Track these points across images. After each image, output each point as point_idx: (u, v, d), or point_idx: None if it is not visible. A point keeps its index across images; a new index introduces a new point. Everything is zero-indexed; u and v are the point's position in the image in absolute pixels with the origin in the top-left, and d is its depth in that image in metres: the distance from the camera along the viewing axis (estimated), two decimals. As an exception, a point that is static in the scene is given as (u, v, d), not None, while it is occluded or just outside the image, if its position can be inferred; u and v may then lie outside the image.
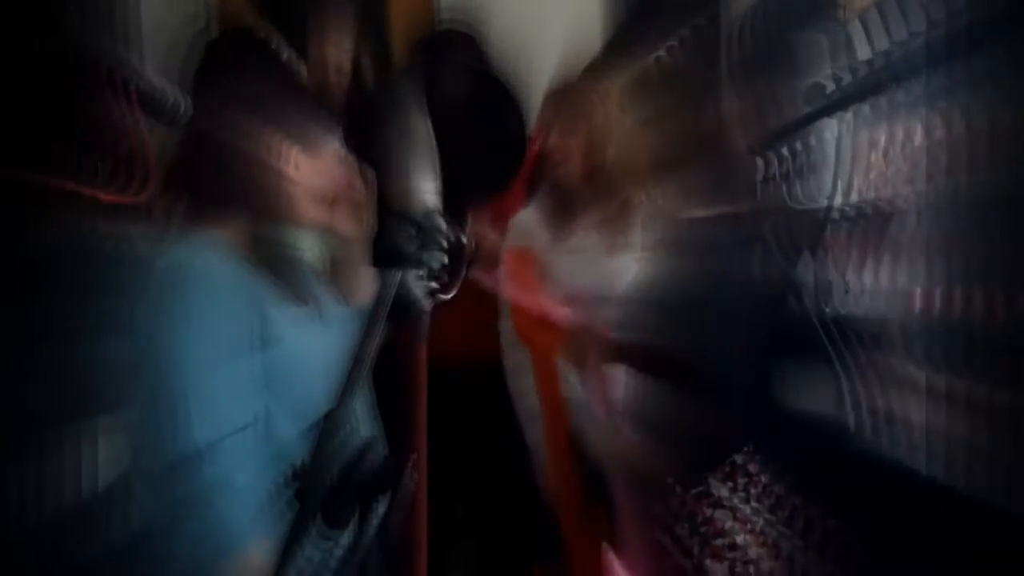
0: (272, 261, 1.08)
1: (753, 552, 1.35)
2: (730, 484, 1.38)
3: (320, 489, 1.03)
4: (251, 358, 1.03)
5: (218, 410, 1.00)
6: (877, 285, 1.38)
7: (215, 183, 1.07)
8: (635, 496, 1.44)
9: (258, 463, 1.03)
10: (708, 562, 1.36)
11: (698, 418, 1.35)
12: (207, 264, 1.03)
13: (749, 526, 1.36)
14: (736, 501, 1.37)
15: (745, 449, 1.37)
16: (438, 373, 1.28)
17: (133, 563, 1.04)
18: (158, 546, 1.00)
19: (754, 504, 1.37)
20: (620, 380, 1.53)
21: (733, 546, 1.36)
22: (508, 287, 1.69)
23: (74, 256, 1.04)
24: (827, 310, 1.39)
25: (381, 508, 1.07)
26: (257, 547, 1.00)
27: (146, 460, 1.01)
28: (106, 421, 1.10)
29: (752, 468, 1.38)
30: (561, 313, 1.55)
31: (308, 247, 1.17)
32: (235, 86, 1.09)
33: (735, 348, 1.40)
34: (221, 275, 1.03)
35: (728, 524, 1.37)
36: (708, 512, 1.36)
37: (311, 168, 1.13)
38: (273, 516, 1.01)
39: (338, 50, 1.42)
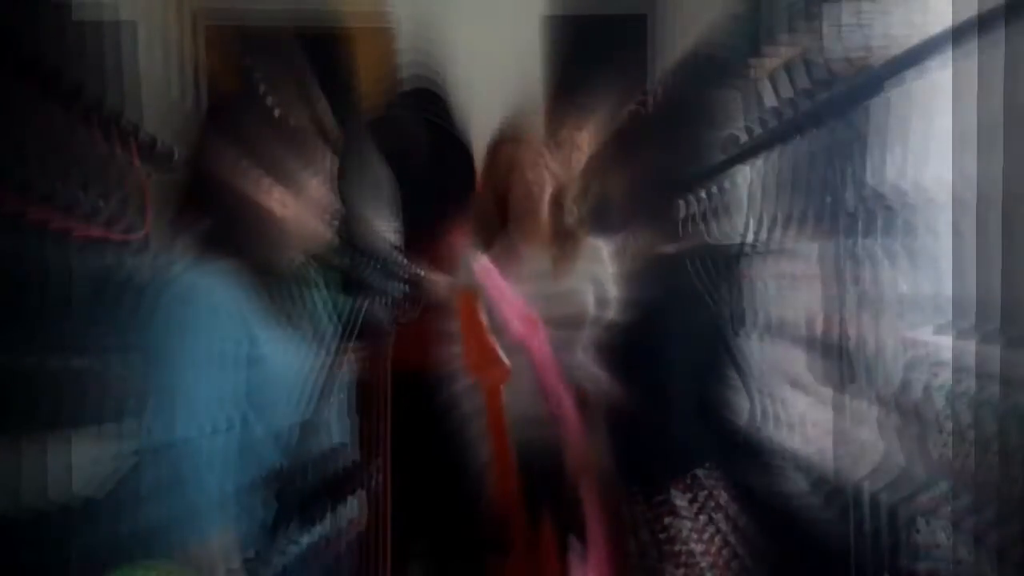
0: (268, 286, 1.22)
1: (705, 561, 1.50)
2: (689, 496, 1.51)
3: (296, 490, 1.17)
4: (236, 373, 1.17)
5: (200, 413, 1.12)
6: (785, 311, 1.55)
7: (217, 220, 1.21)
8: (604, 504, 1.57)
9: (231, 463, 1.14)
10: (666, 566, 1.49)
11: (651, 434, 1.48)
12: (208, 290, 1.15)
13: (705, 535, 1.51)
14: (694, 512, 1.51)
15: (707, 464, 1.51)
16: (403, 387, 1.42)
17: (106, 541, 1.11)
18: (131, 525, 1.10)
19: (711, 515, 1.51)
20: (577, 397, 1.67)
21: (690, 553, 1.50)
22: (458, 321, 1.80)
23: (84, 281, 1.17)
24: (741, 334, 1.55)
25: (351, 506, 1.21)
26: (221, 534, 1.11)
27: (138, 448, 1.11)
28: (100, 427, 1.21)
29: (710, 482, 1.52)
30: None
31: (304, 273, 1.29)
32: (234, 135, 1.23)
33: (672, 371, 1.54)
34: (219, 300, 1.15)
35: (684, 532, 1.50)
36: (668, 520, 1.49)
37: (297, 205, 1.25)
38: (244, 509, 1.14)
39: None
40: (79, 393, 1.22)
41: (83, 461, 1.21)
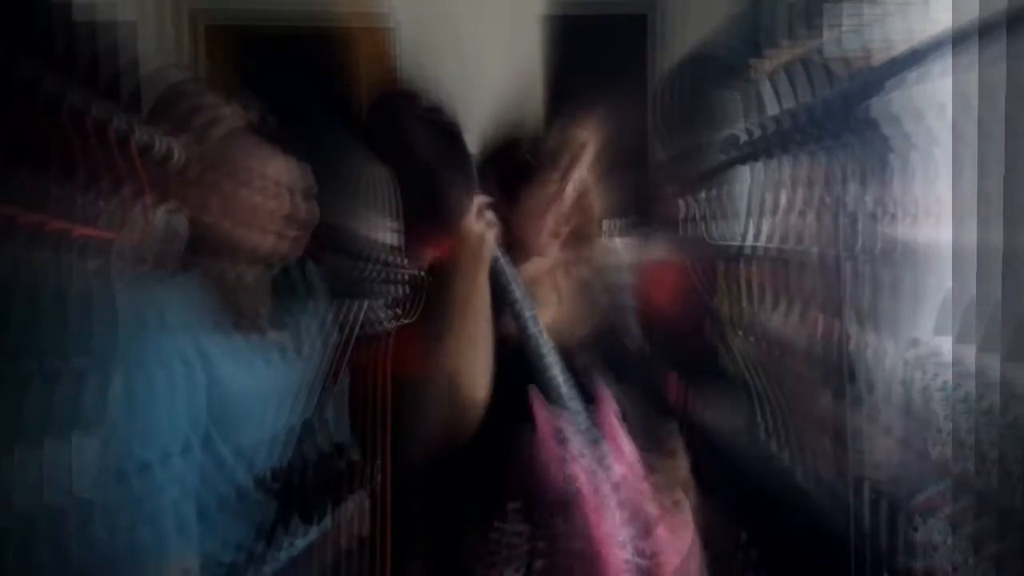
0: (238, 297, 1.22)
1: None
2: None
3: (296, 488, 1.18)
4: (193, 394, 1.15)
5: (156, 436, 1.12)
6: (783, 312, 1.56)
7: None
8: None
9: (192, 482, 1.13)
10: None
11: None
12: (159, 310, 1.15)
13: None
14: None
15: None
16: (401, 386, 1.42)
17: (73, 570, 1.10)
18: (96, 552, 1.09)
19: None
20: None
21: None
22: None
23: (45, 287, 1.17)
24: (739, 333, 1.56)
25: (350, 505, 1.22)
26: (187, 555, 1.11)
27: (92, 473, 1.10)
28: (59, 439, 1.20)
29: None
30: None
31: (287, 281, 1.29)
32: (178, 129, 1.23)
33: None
34: (170, 320, 1.16)
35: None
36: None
37: (239, 215, 1.23)
38: (213, 528, 1.14)
39: None
40: (61, 399, 1.21)
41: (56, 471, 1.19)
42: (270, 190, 1.24)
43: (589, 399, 1.29)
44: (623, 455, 1.28)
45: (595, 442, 1.25)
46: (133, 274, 1.18)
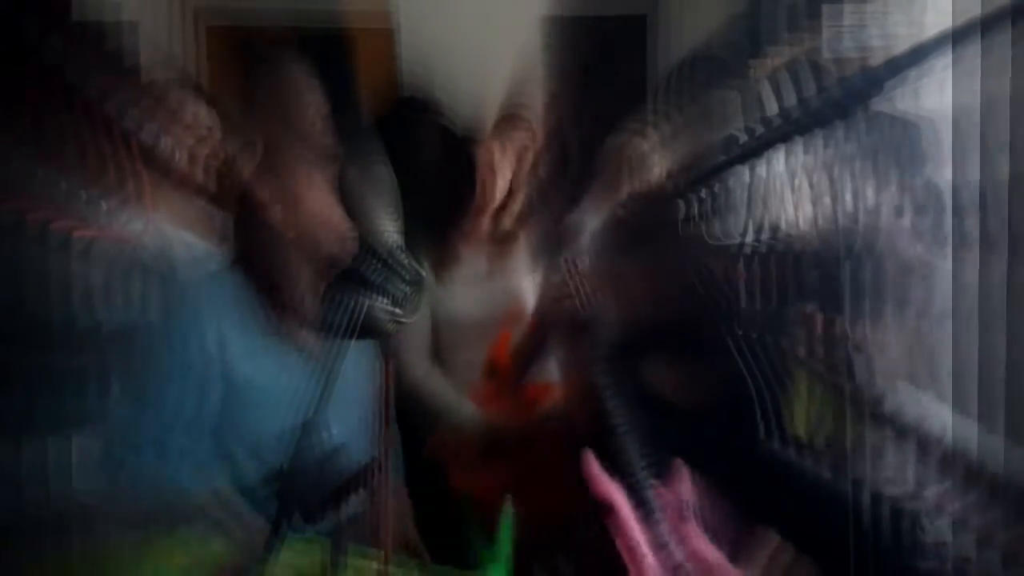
0: (281, 298, 1.23)
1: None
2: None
3: (298, 489, 1.17)
4: (207, 390, 1.18)
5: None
6: (784, 310, 1.56)
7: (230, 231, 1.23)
8: None
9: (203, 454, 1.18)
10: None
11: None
12: (204, 302, 1.19)
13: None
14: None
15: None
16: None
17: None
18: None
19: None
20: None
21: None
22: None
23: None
24: (739, 332, 1.56)
25: (352, 504, 1.22)
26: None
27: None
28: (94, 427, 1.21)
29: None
30: None
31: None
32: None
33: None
34: (210, 315, 1.19)
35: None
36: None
37: (299, 220, 1.27)
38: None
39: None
40: (76, 393, 1.22)
41: (81, 461, 1.21)
42: (332, 192, 1.29)
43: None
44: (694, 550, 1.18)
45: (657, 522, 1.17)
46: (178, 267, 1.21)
